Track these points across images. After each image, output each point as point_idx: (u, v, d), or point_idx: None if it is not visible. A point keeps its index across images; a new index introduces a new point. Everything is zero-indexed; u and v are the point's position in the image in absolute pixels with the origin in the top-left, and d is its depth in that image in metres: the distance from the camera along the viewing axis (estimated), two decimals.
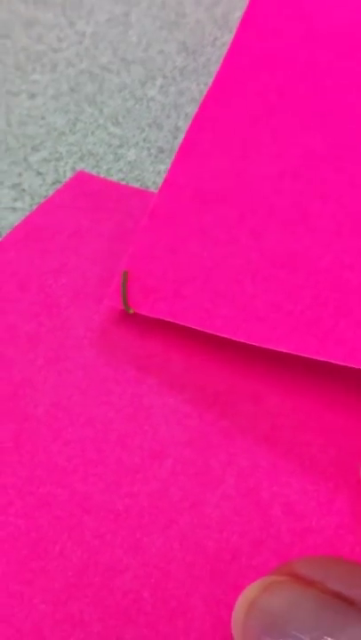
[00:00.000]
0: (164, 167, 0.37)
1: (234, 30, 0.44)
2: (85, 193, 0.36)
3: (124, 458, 0.28)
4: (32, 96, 0.41)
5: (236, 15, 0.45)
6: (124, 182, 0.37)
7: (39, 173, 0.38)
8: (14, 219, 0.36)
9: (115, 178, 0.37)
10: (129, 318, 0.31)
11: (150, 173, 0.38)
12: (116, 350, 0.31)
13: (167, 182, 0.34)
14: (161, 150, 0.38)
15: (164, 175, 0.37)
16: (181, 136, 0.39)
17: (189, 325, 0.30)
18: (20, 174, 0.38)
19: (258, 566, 0.26)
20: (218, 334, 0.30)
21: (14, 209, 0.36)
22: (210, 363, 0.30)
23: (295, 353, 0.29)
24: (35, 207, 0.36)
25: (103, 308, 0.32)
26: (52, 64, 0.43)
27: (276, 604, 0.22)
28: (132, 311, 0.30)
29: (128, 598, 0.25)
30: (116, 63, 0.43)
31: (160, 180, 0.37)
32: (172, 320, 0.30)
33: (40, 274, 0.33)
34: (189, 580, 0.25)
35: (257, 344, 0.29)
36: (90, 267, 0.33)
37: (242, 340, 0.29)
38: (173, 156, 0.33)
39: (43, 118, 0.40)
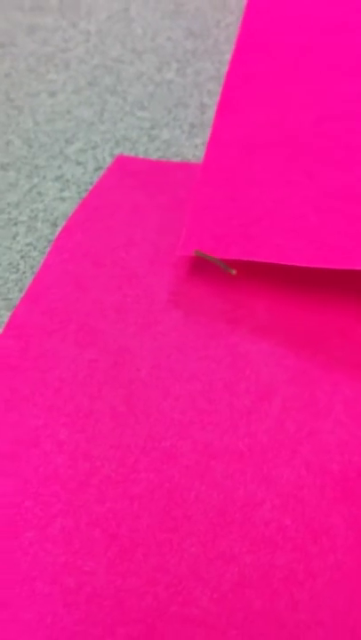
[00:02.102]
0: (199, 140, 0.39)
1: (234, 12, 0.46)
2: (131, 173, 0.37)
3: (235, 402, 0.29)
4: (52, 94, 0.42)
5: None
6: (164, 159, 0.38)
7: (79, 163, 0.39)
8: (65, 208, 0.37)
9: (154, 157, 0.39)
10: (208, 278, 0.32)
11: (188, 148, 0.39)
12: (201, 308, 0.32)
13: (213, 139, 0.35)
14: (192, 126, 0.40)
15: (201, 148, 0.38)
16: (208, 111, 0.40)
17: (266, 260, 0.31)
18: (60, 166, 0.39)
19: None
20: (294, 264, 0.31)
21: (63, 199, 0.37)
22: (293, 306, 0.31)
23: None
24: (82, 195, 0.37)
25: (182, 271, 0.33)
26: (64, 63, 0.44)
27: None
28: (234, 272, 0.31)
29: (271, 528, 0.26)
30: (128, 55, 0.44)
31: (198, 153, 0.38)
32: (248, 258, 0.31)
33: (110, 249, 0.34)
34: (324, 502, 0.26)
35: (333, 266, 0.30)
36: (157, 237, 0.34)
37: (319, 266, 0.30)
38: (210, 124, 0.34)
39: (69, 112, 0.41)
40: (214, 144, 0.35)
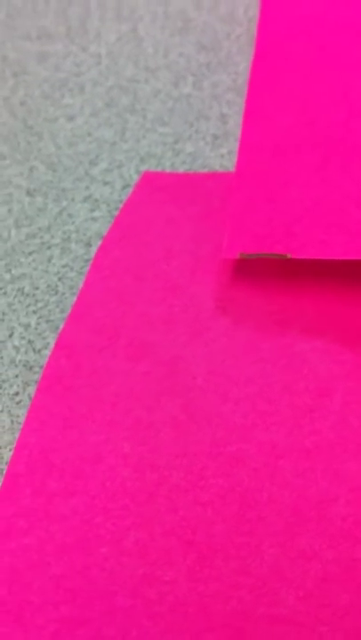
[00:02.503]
0: (225, 150, 0.40)
1: (243, 24, 0.47)
2: (159, 188, 0.38)
3: (296, 401, 0.29)
4: (70, 118, 0.43)
5: (240, 10, 0.48)
6: (191, 172, 0.39)
7: (106, 183, 0.40)
8: (98, 227, 0.38)
9: (180, 170, 0.40)
10: (252, 282, 0.33)
11: (213, 159, 0.40)
12: (250, 312, 0.32)
13: (244, 143, 0.36)
14: (216, 137, 0.41)
15: (227, 157, 0.39)
16: (230, 121, 0.41)
17: (312, 257, 0.32)
18: (87, 187, 0.40)
19: None
20: (341, 258, 0.31)
21: (94, 219, 0.38)
22: (341, 302, 0.32)
23: None
24: (113, 213, 0.38)
25: (225, 278, 0.33)
26: (78, 87, 0.45)
27: None
28: (289, 256, 0.32)
29: (348, 522, 0.26)
30: (142, 73, 0.46)
31: (225, 162, 0.39)
32: (294, 256, 0.32)
33: (150, 263, 0.34)
34: None
35: None
36: (194, 247, 0.35)
37: None
38: (233, 134, 0.35)
39: (89, 135, 0.42)
40: (246, 148, 0.36)
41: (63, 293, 0.35)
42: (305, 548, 0.26)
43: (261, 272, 0.33)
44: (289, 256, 0.32)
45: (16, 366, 0.33)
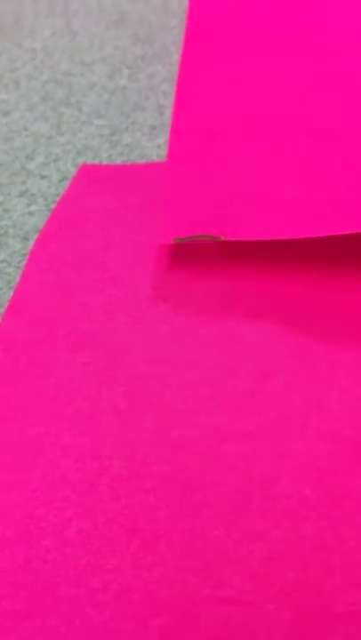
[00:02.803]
0: (161, 140, 0.40)
1: (177, 15, 0.48)
2: (97, 180, 0.39)
3: (238, 385, 0.30)
4: (6, 114, 0.43)
5: (174, 2, 0.49)
6: (129, 163, 0.40)
7: (43, 177, 0.40)
8: (35, 221, 0.38)
9: (118, 162, 0.40)
10: (191, 267, 0.33)
11: (150, 149, 0.40)
12: (190, 298, 0.33)
13: (175, 130, 0.37)
14: (153, 127, 0.41)
15: (164, 147, 0.40)
16: (166, 112, 0.42)
17: (249, 238, 0.32)
18: (23, 182, 0.40)
19: None
20: (273, 238, 0.32)
21: (31, 213, 0.38)
22: (282, 282, 0.33)
23: (357, 231, 0.31)
24: (51, 207, 0.38)
25: (164, 265, 0.34)
26: (13, 82, 0.45)
27: None
28: (223, 238, 0.32)
29: (293, 500, 0.27)
30: (77, 67, 0.46)
31: (162, 152, 0.40)
32: (227, 239, 0.32)
33: (89, 254, 0.35)
34: (342, 468, 0.27)
35: (313, 235, 0.32)
36: (133, 236, 0.35)
37: (299, 236, 0.32)
38: (170, 116, 0.36)
39: (25, 129, 0.42)
40: (177, 134, 0.36)
41: (1, 288, 0.35)
42: (249, 528, 0.26)
43: (199, 257, 0.34)
44: (223, 238, 0.32)
45: None
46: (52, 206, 0.38)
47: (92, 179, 0.39)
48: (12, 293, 0.35)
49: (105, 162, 0.40)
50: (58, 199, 0.38)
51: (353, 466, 0.27)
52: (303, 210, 0.32)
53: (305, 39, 0.39)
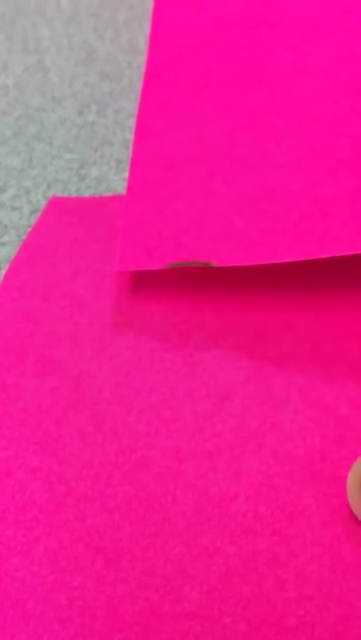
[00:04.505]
0: (127, 174, 0.41)
1: (143, 53, 0.48)
2: (67, 211, 0.39)
3: (197, 407, 0.30)
4: None
5: (141, 40, 0.50)
6: (96, 195, 0.40)
7: (14, 208, 0.40)
8: (7, 252, 0.38)
9: (86, 194, 0.40)
10: (153, 294, 0.34)
11: (117, 182, 0.41)
12: (152, 324, 0.33)
13: (135, 161, 0.37)
14: (119, 161, 0.42)
15: None
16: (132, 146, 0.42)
17: (232, 264, 0.33)
18: None
19: (346, 457, 0.28)
20: (226, 265, 0.33)
21: (3, 244, 0.39)
22: (237, 308, 0.33)
23: (302, 259, 0.32)
24: (22, 237, 0.39)
25: (127, 293, 0.34)
26: None
27: None
28: (215, 265, 0.32)
29: (248, 517, 0.27)
30: (49, 102, 0.46)
31: None
32: (221, 264, 0.33)
33: (57, 283, 0.35)
34: (295, 486, 0.28)
35: (262, 262, 0.32)
36: (99, 265, 0.36)
37: (248, 264, 0.32)
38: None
39: None
40: (136, 165, 0.37)
41: None
42: (207, 545, 0.27)
43: (161, 285, 0.34)
44: (215, 264, 0.33)
45: None
46: (24, 237, 0.39)
47: (62, 210, 0.39)
48: None
49: (74, 194, 0.41)
50: (29, 230, 0.39)
51: (305, 484, 0.28)
52: (252, 237, 0.33)
53: (257, 76, 0.40)
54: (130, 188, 0.37)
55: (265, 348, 0.32)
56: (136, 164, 0.37)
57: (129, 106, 0.45)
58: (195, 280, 0.35)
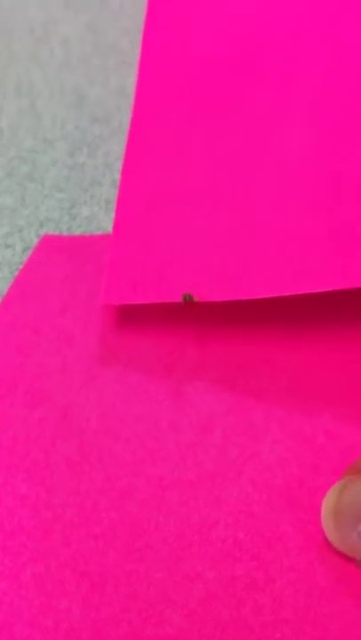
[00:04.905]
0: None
1: (132, 97, 0.50)
2: (58, 249, 0.40)
3: (180, 437, 0.31)
4: None
5: (129, 82, 0.52)
6: (87, 234, 0.41)
7: (8, 246, 0.41)
8: (0, 288, 0.39)
9: (77, 233, 0.42)
10: (138, 328, 0.35)
11: (106, 221, 0.42)
12: (137, 357, 0.34)
13: (121, 198, 0.38)
14: (108, 202, 0.43)
15: None
16: None
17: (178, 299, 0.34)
18: None
19: (322, 486, 0.29)
20: (206, 300, 0.34)
21: None
22: (219, 341, 0.34)
23: (278, 295, 0.33)
24: (14, 274, 0.40)
25: (113, 326, 0.35)
26: None
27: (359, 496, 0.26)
28: (196, 300, 0.33)
29: (228, 543, 0.28)
30: (40, 144, 0.48)
31: None
32: (162, 300, 0.34)
33: (47, 317, 0.36)
34: (273, 514, 0.29)
35: (242, 298, 0.33)
36: (88, 300, 0.37)
37: (228, 299, 0.33)
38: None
39: None
40: (122, 203, 0.38)
41: None
42: (189, 570, 0.27)
43: (146, 319, 0.35)
44: (195, 299, 0.33)
45: None
46: (16, 273, 0.40)
47: (53, 248, 0.40)
48: None
49: (65, 233, 0.42)
50: (21, 267, 0.40)
51: (283, 511, 0.29)
52: (231, 273, 0.34)
53: (239, 116, 0.41)
54: (116, 224, 0.38)
55: (245, 380, 0.33)
56: (122, 202, 0.38)
57: (118, 148, 0.47)
58: (178, 314, 0.36)
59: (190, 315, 0.36)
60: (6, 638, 0.26)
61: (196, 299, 0.34)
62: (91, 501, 0.30)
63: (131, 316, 0.36)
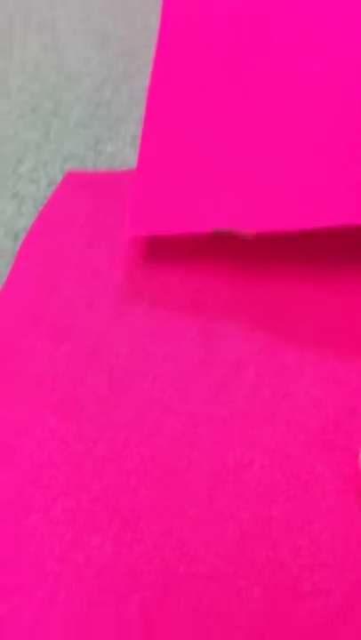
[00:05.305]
0: None
1: (157, 34, 0.47)
2: (82, 185, 0.38)
3: (211, 376, 0.29)
4: None
5: (154, 21, 0.48)
6: (112, 170, 0.39)
7: (32, 181, 0.39)
8: (24, 222, 0.37)
9: (102, 169, 0.39)
10: (167, 264, 0.33)
11: (132, 158, 0.39)
12: (166, 294, 0.32)
13: (146, 128, 0.36)
14: (134, 138, 0.40)
15: None
16: None
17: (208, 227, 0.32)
18: (14, 185, 0.39)
19: (359, 429, 0.27)
20: (237, 228, 0.31)
21: (21, 214, 0.37)
22: (252, 279, 0.32)
23: (326, 225, 0.30)
24: (39, 209, 0.37)
25: (141, 262, 0.33)
26: (5, 93, 0.44)
27: None
28: (249, 237, 0.30)
29: (264, 484, 0.26)
30: (64, 80, 0.45)
31: None
32: (190, 231, 0.32)
33: (73, 252, 0.34)
34: (309, 455, 0.27)
35: (276, 229, 0.31)
36: (114, 236, 0.34)
37: (262, 229, 0.31)
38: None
39: (16, 136, 0.41)
40: (148, 134, 0.35)
41: None
42: (223, 509, 0.26)
43: (174, 254, 0.33)
44: (249, 237, 0.31)
45: None
46: (40, 208, 0.37)
47: (77, 184, 0.38)
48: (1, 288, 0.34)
49: (90, 169, 0.39)
50: (45, 201, 0.37)
51: (319, 454, 0.27)
52: (264, 205, 0.31)
53: (264, 51, 0.38)
54: (141, 156, 0.35)
55: (278, 320, 0.31)
56: (147, 133, 0.36)
57: (143, 85, 0.44)
58: (207, 250, 0.33)
59: (222, 251, 0.33)
60: (37, 573, 0.24)
61: (228, 231, 0.31)
62: (122, 437, 0.28)
63: (158, 252, 0.34)
